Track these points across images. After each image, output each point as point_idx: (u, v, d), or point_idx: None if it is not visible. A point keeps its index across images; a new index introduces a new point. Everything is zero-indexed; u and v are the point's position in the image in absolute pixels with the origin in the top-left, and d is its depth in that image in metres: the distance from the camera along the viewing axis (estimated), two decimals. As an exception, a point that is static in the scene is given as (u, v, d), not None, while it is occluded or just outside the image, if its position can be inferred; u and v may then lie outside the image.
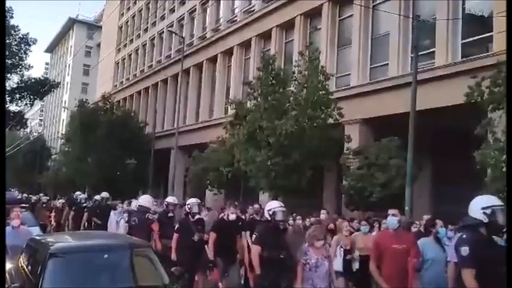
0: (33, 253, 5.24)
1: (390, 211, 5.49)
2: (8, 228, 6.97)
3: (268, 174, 13.33)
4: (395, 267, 5.08)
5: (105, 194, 13.08)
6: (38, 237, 6.10)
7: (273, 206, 5.76)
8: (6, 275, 5.43)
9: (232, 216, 7.39)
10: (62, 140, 34.69)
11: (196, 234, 7.53)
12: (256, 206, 9.98)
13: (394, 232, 5.40)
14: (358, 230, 8.12)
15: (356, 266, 7.28)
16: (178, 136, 23.08)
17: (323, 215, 9.79)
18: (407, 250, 5.23)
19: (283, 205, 5.80)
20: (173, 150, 24.32)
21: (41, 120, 75.28)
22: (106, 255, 4.94)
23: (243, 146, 14.09)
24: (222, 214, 8.24)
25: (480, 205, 3.83)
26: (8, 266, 5.66)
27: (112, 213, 11.43)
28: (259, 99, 14.13)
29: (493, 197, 4.10)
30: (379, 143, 13.14)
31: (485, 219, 3.73)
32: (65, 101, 58.97)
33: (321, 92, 13.20)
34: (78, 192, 16.22)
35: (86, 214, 12.39)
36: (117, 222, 10.88)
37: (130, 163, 25.67)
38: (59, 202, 16.89)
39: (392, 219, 5.39)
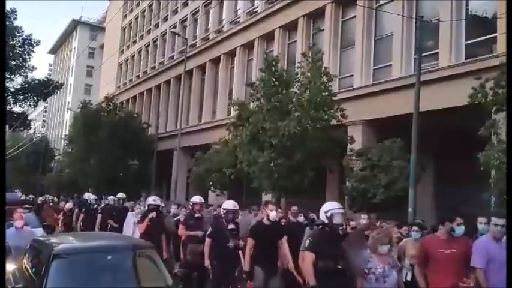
0: (36, 254, 5.25)
1: (457, 220, 4.91)
2: (11, 229, 6.98)
3: (270, 175, 13.32)
4: (445, 273, 4.77)
5: (121, 195, 12.37)
6: (41, 238, 6.12)
7: (330, 208, 5.00)
8: (10, 275, 5.44)
9: (273, 215, 6.38)
10: (65, 141, 34.73)
11: (231, 240, 6.66)
12: (294, 207, 8.91)
13: (445, 237, 4.96)
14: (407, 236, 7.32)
15: (408, 276, 6.49)
16: (181, 137, 23.11)
17: (363, 220, 8.58)
18: (458, 255, 4.81)
19: (341, 206, 5.12)
20: (176, 151, 24.36)
21: (44, 121, 75.49)
22: (109, 257, 4.95)
23: (245, 147, 14.09)
24: (260, 217, 7.32)
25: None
26: (12, 266, 5.67)
27: (129, 214, 10.69)
28: (262, 100, 14.13)
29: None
30: (382, 144, 13.11)
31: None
32: (68, 102, 59.10)
33: (323, 93, 13.18)
34: (87, 194, 15.62)
35: (99, 216, 11.68)
36: (134, 224, 10.07)
37: (133, 164, 25.72)
38: (68, 204, 16.18)
39: (459, 229, 4.88)
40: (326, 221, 4.92)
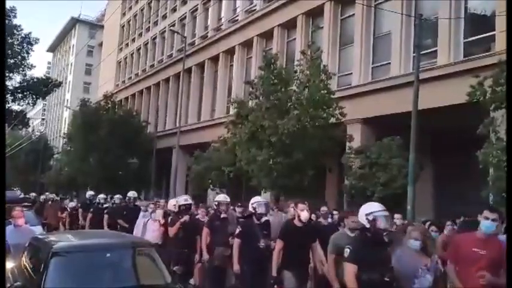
0: (35, 252, 5.25)
1: (489, 214, 4.45)
2: (10, 227, 6.98)
3: (269, 174, 13.33)
4: (472, 272, 4.41)
5: (132, 193, 11.71)
6: (40, 236, 6.12)
7: (373, 210, 4.23)
8: (9, 273, 5.44)
9: (305, 215, 5.69)
10: (64, 140, 34.72)
11: (262, 240, 6.07)
12: (324, 208, 7.98)
13: (480, 235, 4.54)
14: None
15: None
16: (180, 135, 23.10)
17: (398, 220, 7.97)
18: (489, 257, 4.40)
19: (385, 208, 4.38)
20: (175, 150, 24.36)
21: (43, 119, 75.41)
22: (108, 254, 4.96)
23: (244, 146, 14.09)
24: (291, 216, 6.63)
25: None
26: (10, 264, 5.67)
27: (141, 214, 10.06)
28: (261, 98, 14.14)
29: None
30: (381, 142, 13.13)
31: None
32: (67, 101, 59.09)
33: (322, 92, 13.19)
34: (91, 192, 14.72)
35: (106, 217, 11.09)
36: (144, 225, 9.61)
37: (132, 162, 25.72)
38: (71, 203, 15.56)
39: (490, 224, 4.42)
40: (367, 225, 4.19)
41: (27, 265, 5.25)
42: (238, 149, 14.62)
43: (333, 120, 13.65)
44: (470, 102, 9.71)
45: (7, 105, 30.46)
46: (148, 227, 9.45)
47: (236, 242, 6.23)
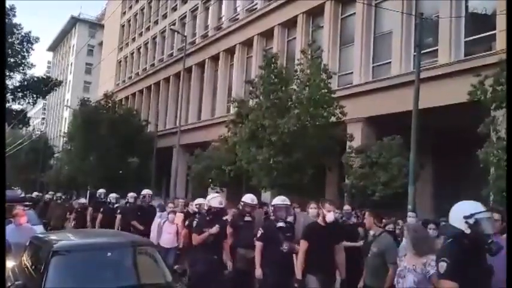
0: (36, 251, 5.25)
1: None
2: (10, 226, 6.98)
3: (270, 173, 13.33)
4: None
5: (146, 191, 10.66)
6: (41, 235, 6.13)
7: (474, 210, 3.35)
8: (10, 272, 5.45)
9: (330, 217, 5.45)
10: (65, 139, 34.70)
11: (285, 243, 5.75)
12: (347, 207, 7.54)
13: None
14: None
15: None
16: (181, 134, 23.10)
17: (411, 218, 7.69)
18: None
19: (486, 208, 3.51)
20: (175, 149, 24.35)
21: (43, 118, 75.44)
22: (109, 253, 4.97)
23: (245, 145, 14.09)
24: (312, 216, 6.48)
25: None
26: (11, 263, 5.68)
27: (158, 215, 9.49)
28: (261, 97, 14.12)
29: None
30: (381, 141, 13.13)
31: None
32: (68, 100, 59.10)
33: (323, 91, 13.17)
34: (102, 190, 13.24)
35: (119, 217, 10.24)
36: (160, 227, 9.02)
37: (133, 161, 25.70)
38: (79, 202, 14.36)
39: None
40: (468, 231, 3.29)
41: (27, 264, 5.25)
42: (238, 148, 14.61)
43: (333, 119, 13.64)
44: (471, 101, 9.70)
45: (7, 105, 30.43)
46: (164, 229, 8.91)
47: (258, 245, 5.90)
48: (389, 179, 12.02)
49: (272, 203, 6.07)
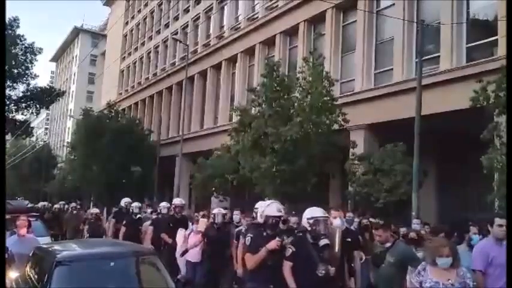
0: (39, 261, 5.25)
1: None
2: (14, 237, 6.97)
3: (273, 181, 13.29)
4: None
5: (178, 201, 9.77)
6: (44, 246, 6.12)
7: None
8: (13, 283, 5.44)
9: (337, 223, 5.01)
10: (68, 149, 34.79)
11: (321, 265, 4.57)
12: (349, 214, 6.88)
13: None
14: None
15: None
16: (183, 143, 23.12)
17: (416, 225, 7.37)
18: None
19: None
20: (178, 158, 24.34)
21: (46, 129, 75.71)
22: (112, 263, 4.95)
23: (247, 153, 14.08)
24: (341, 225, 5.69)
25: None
26: (15, 274, 5.67)
27: (191, 227, 8.66)
28: (263, 105, 14.14)
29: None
30: (384, 148, 13.10)
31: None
32: (71, 110, 59.26)
33: (325, 98, 13.19)
34: (127, 199, 11.87)
35: (151, 229, 9.42)
36: (186, 239, 8.27)
37: (136, 170, 25.70)
38: (91, 211, 13.40)
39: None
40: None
41: (31, 275, 5.23)
42: (241, 156, 14.61)
43: (335, 126, 13.64)
44: (474, 107, 9.68)
45: (11, 115, 30.59)
46: (190, 241, 8.13)
47: (287, 266, 4.69)
48: (393, 186, 11.99)
49: (309, 215, 4.81)
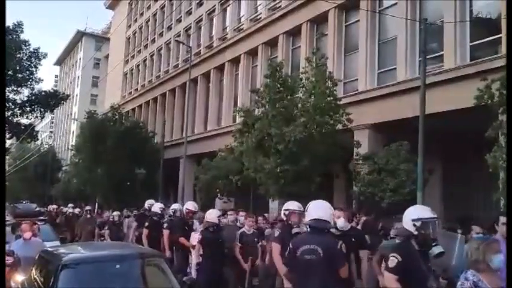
0: (45, 264, 5.26)
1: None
2: (19, 240, 7.00)
3: (277, 182, 13.30)
4: None
5: (192, 206, 9.20)
6: (50, 249, 6.13)
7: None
8: (19, 286, 5.45)
9: (341, 223, 4.79)
10: (72, 152, 34.91)
11: (431, 279, 3.87)
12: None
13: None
14: None
15: None
16: (187, 145, 23.16)
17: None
18: None
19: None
20: (182, 159, 24.39)
21: (51, 132, 75.99)
22: (118, 266, 4.96)
23: (251, 154, 14.09)
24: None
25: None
26: (21, 278, 5.69)
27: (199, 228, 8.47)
28: (267, 106, 14.14)
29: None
30: (389, 148, 13.07)
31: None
32: (75, 113, 59.52)
33: (328, 98, 13.18)
34: (151, 201, 11.35)
35: (167, 233, 8.69)
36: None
37: (140, 173, 25.77)
38: (114, 213, 12.93)
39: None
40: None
41: (37, 278, 5.25)
42: (245, 157, 14.61)
43: (339, 126, 13.62)
44: (479, 105, 9.64)
45: (15, 119, 30.75)
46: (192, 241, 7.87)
47: (393, 279, 3.88)
48: (398, 185, 11.95)
49: (414, 215, 4.11)
